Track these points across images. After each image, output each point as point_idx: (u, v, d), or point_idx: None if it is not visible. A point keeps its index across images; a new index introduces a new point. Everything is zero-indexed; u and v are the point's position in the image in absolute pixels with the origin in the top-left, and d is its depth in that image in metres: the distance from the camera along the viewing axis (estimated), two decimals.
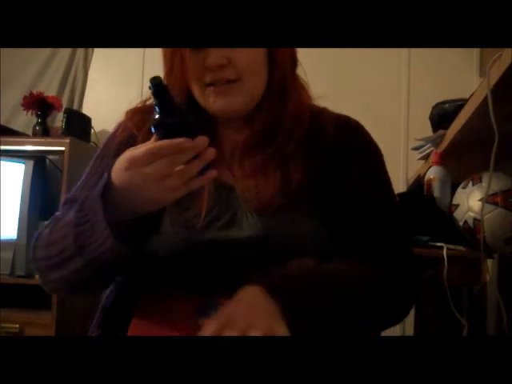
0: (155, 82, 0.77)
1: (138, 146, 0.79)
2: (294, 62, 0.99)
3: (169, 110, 0.78)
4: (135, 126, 0.99)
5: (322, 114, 1.00)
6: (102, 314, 0.95)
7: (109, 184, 0.80)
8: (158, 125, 0.78)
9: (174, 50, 0.92)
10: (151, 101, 0.94)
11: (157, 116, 0.78)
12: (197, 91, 0.94)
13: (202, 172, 0.78)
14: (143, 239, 0.86)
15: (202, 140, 0.77)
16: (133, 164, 0.77)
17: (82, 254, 0.83)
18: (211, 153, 0.77)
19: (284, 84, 0.96)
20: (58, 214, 0.95)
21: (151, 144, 0.77)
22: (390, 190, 1.00)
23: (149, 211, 0.82)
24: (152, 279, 0.91)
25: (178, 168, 0.76)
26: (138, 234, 0.84)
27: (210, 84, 0.92)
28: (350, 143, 0.97)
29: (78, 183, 1.02)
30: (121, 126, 1.03)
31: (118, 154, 0.84)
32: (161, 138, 0.77)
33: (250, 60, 0.91)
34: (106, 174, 0.81)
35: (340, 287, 0.85)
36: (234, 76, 0.91)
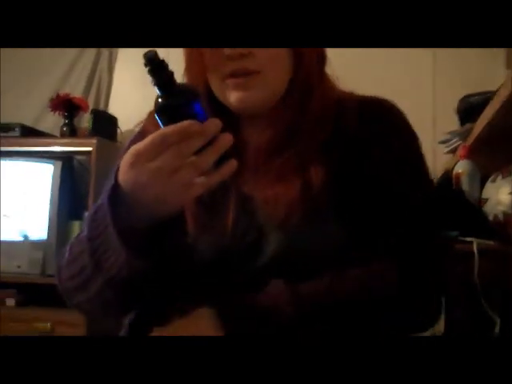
0: (150, 56, 0.67)
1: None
2: (321, 58, 0.91)
3: (170, 90, 0.69)
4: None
5: (346, 101, 0.90)
6: (126, 328, 0.89)
7: (116, 187, 0.72)
8: (161, 109, 0.69)
9: None
10: None
11: (159, 99, 0.69)
12: (215, 84, 0.87)
13: (219, 163, 0.69)
14: (163, 254, 0.78)
15: (213, 123, 0.68)
16: (137, 159, 0.69)
17: (101, 271, 0.76)
18: (228, 139, 0.69)
19: (309, 81, 0.88)
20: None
21: (154, 134, 0.69)
22: (419, 178, 0.88)
23: (166, 215, 0.73)
24: (174, 294, 0.83)
25: (190, 159, 0.68)
26: (157, 246, 0.76)
27: (230, 76, 0.84)
28: (374, 127, 0.87)
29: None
30: (141, 131, 0.95)
31: None
32: (166, 124, 0.69)
33: (272, 52, 0.84)
34: (112, 177, 0.73)
35: (361, 297, 0.80)
36: (255, 67, 0.84)
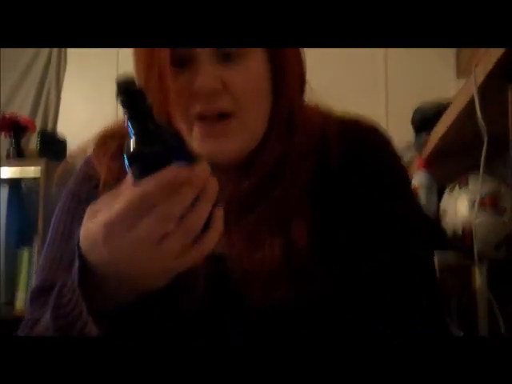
0: (124, 84, 0.52)
1: (107, 197, 0.56)
2: (302, 84, 0.77)
3: (149, 130, 0.52)
4: (99, 161, 0.77)
5: (327, 129, 0.75)
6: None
7: (84, 267, 0.57)
8: (136, 157, 0.52)
9: (151, 63, 0.67)
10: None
11: (132, 142, 0.52)
12: (180, 124, 0.70)
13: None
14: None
15: (203, 168, 0.54)
16: (112, 230, 0.52)
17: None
18: (215, 185, 0.55)
19: (292, 117, 0.74)
20: (27, 317, 0.72)
21: (130, 192, 0.52)
22: (414, 221, 0.75)
23: (152, 289, 0.58)
24: None
25: (179, 220, 0.52)
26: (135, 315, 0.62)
27: (198, 118, 0.69)
28: (359, 160, 0.74)
29: (43, 262, 0.77)
30: (84, 167, 0.81)
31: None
32: (141, 175, 0.52)
33: (249, 86, 0.69)
34: (76, 259, 0.57)
35: None
36: (230, 107, 0.69)
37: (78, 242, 0.57)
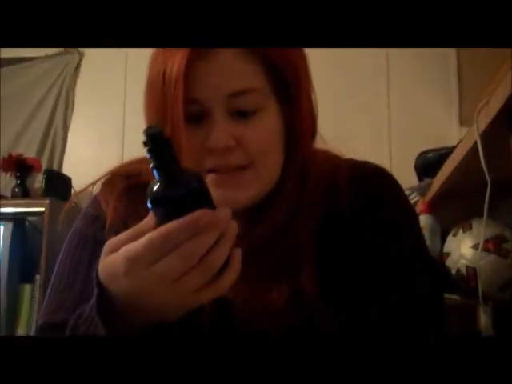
0: (153, 132, 0.53)
1: (128, 233, 0.57)
2: (314, 132, 0.78)
3: (173, 176, 0.54)
4: (106, 201, 0.79)
5: (337, 173, 0.76)
6: None
7: (102, 296, 0.59)
8: (161, 200, 0.55)
9: (163, 119, 0.68)
10: (135, 164, 0.79)
11: (157, 186, 0.55)
12: None
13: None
14: None
15: (225, 212, 0.55)
16: (134, 266, 0.54)
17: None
18: (235, 228, 0.56)
19: (304, 164, 0.75)
20: None
21: (153, 230, 0.54)
22: (423, 265, 0.75)
23: (166, 320, 0.60)
24: None
25: (200, 260, 0.54)
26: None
27: (211, 171, 0.69)
28: (368, 206, 0.75)
29: (49, 298, 0.78)
30: (90, 207, 0.82)
31: (96, 249, 0.67)
32: (165, 217, 0.54)
33: (263, 140, 0.70)
34: (95, 287, 0.59)
35: None
36: (244, 161, 0.69)
37: (97, 272, 0.59)
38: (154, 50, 0.72)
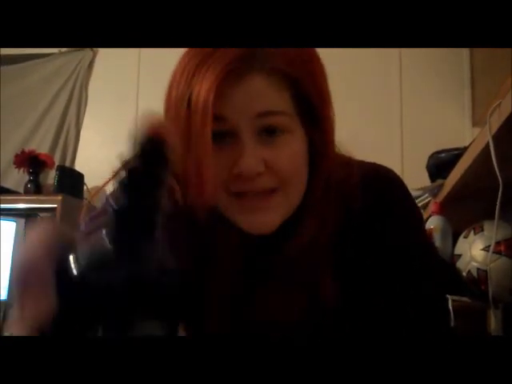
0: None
1: None
2: (332, 142, 0.77)
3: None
4: None
5: (349, 177, 0.76)
6: None
7: None
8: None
9: (188, 136, 0.65)
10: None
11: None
12: (218, 198, 0.69)
13: None
14: None
15: None
16: None
17: None
18: None
19: (327, 183, 0.74)
20: None
21: None
22: (430, 266, 0.76)
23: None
24: None
25: None
26: None
27: (238, 195, 0.69)
28: (380, 211, 0.75)
29: None
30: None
31: None
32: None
33: (292, 163, 0.69)
34: None
35: None
36: (273, 185, 0.69)
37: None
38: (175, 72, 0.70)
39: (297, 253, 0.72)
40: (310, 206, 0.73)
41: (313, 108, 0.71)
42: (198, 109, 0.65)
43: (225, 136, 0.68)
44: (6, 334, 0.54)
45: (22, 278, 0.48)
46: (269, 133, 0.68)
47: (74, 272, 0.41)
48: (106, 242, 0.41)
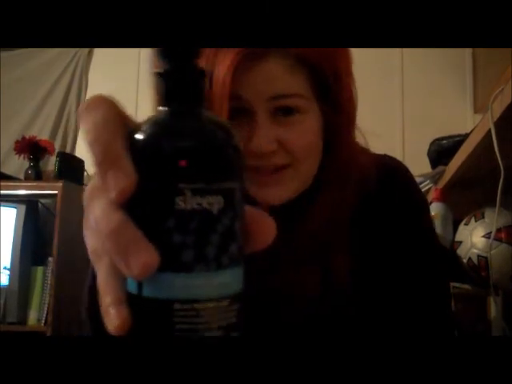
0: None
1: None
2: (353, 127, 0.79)
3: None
4: None
5: (366, 166, 0.78)
6: None
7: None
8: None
9: None
10: None
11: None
12: None
13: None
14: None
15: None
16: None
17: None
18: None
19: (344, 158, 0.76)
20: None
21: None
22: (436, 254, 0.80)
23: None
24: None
25: None
26: None
27: (252, 171, 0.71)
28: (390, 198, 0.79)
29: None
30: None
31: None
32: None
33: (305, 142, 0.72)
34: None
35: None
36: (285, 161, 0.72)
37: None
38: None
39: (316, 224, 0.75)
40: (325, 185, 0.76)
41: (330, 91, 0.73)
42: (217, 88, 0.68)
43: (242, 113, 0.70)
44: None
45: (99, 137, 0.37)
46: (284, 112, 0.71)
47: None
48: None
